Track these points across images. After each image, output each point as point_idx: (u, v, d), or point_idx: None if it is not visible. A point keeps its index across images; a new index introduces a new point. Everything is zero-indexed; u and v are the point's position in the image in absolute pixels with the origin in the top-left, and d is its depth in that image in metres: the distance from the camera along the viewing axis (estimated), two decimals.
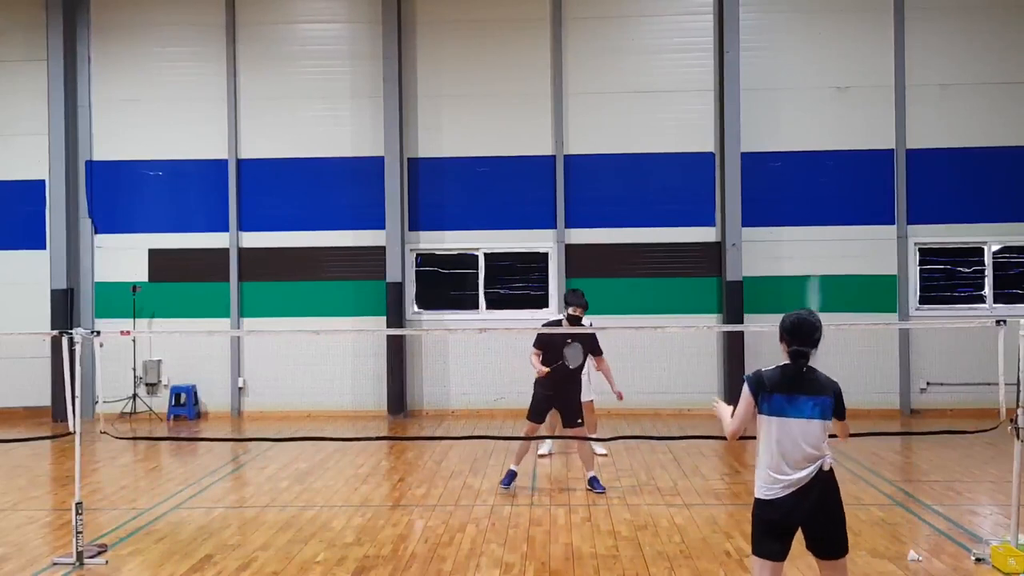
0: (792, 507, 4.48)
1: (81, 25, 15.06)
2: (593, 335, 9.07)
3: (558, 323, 9.25)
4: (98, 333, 7.14)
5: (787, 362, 4.60)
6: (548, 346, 8.81)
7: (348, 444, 11.35)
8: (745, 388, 4.65)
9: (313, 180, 14.96)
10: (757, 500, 4.62)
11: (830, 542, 4.56)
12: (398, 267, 14.51)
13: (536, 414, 8.97)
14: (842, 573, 4.60)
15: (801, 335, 4.56)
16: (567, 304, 9.02)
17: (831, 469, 4.55)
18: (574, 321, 8.90)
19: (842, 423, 4.72)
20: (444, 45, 14.91)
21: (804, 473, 4.48)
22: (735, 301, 13.96)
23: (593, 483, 8.91)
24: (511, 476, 9.00)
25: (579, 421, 8.89)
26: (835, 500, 4.55)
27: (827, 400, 4.55)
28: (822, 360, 5.72)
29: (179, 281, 14.98)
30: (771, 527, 4.55)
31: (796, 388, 4.53)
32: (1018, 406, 6.35)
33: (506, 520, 7.89)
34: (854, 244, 14.38)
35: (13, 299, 14.95)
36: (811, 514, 4.50)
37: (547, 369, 8.68)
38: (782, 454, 4.50)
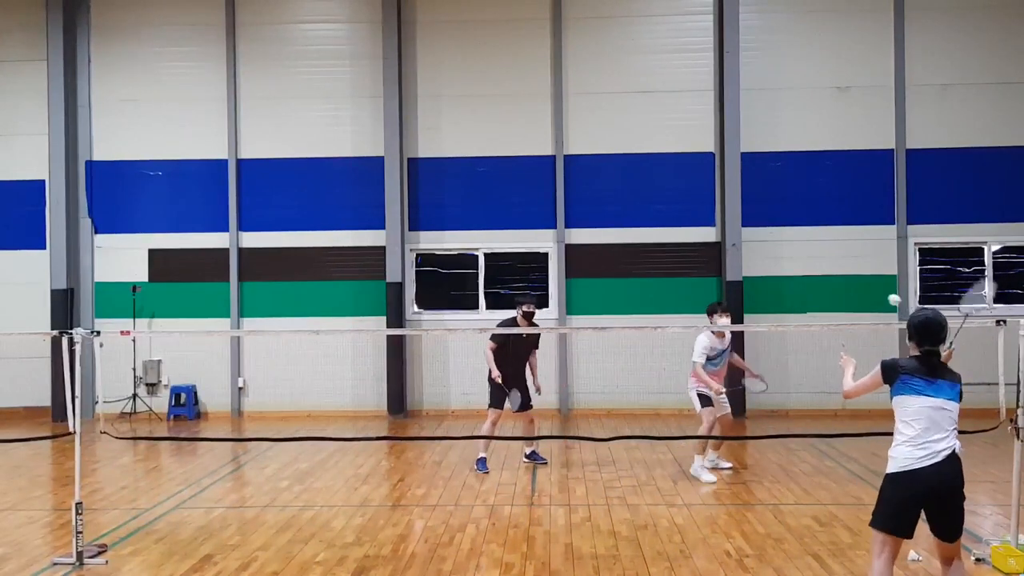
0: (927, 481, 4.81)
1: (81, 25, 15.06)
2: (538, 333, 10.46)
3: (513, 321, 10.17)
4: (98, 333, 7.12)
5: (917, 354, 5.03)
6: (504, 341, 9.77)
7: (348, 444, 11.34)
8: (878, 368, 5.12)
9: (313, 180, 14.96)
10: (891, 475, 4.94)
11: (953, 523, 4.91)
12: (398, 267, 14.51)
13: (497, 401, 10.03)
14: (958, 550, 5.04)
15: (929, 335, 5.01)
16: (520, 303, 10.00)
17: (959, 456, 4.92)
18: (529, 317, 9.97)
19: None
20: (444, 45, 14.91)
21: (942, 447, 4.84)
22: (735, 301, 13.94)
23: (534, 456, 10.44)
24: (482, 462, 10.02)
25: (530, 405, 10.10)
26: (962, 483, 4.89)
27: (958, 387, 4.99)
28: (821, 360, 5.74)
29: (179, 281, 14.98)
30: (903, 500, 4.87)
31: (934, 373, 4.96)
32: (1018, 406, 6.35)
33: (506, 520, 7.89)
34: (854, 244, 14.38)
35: (13, 299, 14.95)
36: (941, 493, 4.83)
37: (499, 376, 9.78)
38: (922, 429, 4.87)
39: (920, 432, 4.87)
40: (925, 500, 4.85)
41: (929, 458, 4.82)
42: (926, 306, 5.23)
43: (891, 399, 5.06)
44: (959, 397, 4.98)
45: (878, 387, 5.17)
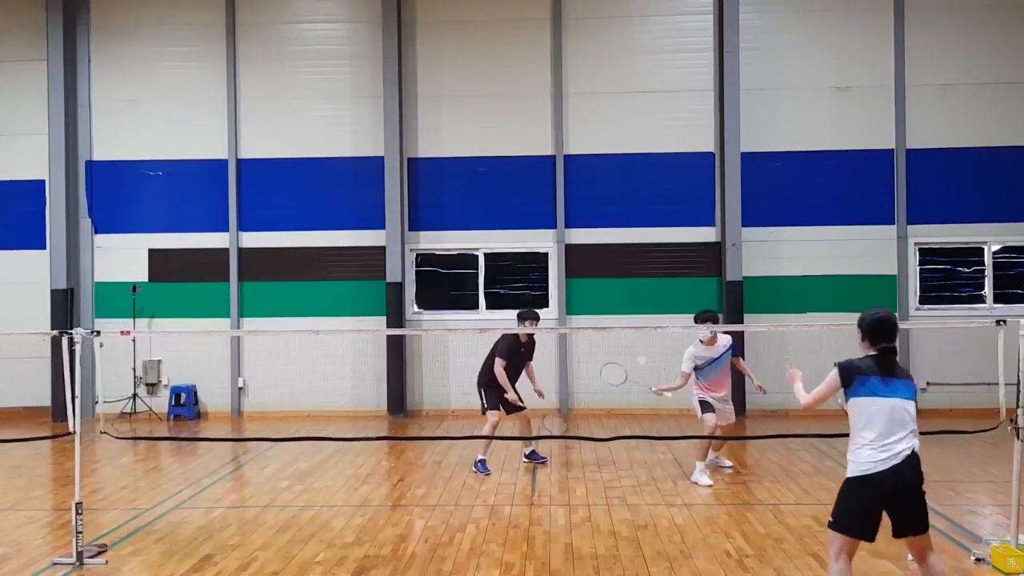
0: (887, 483, 4.78)
1: (81, 25, 15.07)
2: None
3: (516, 336, 10.01)
4: (98, 333, 7.12)
5: (873, 354, 4.99)
6: (511, 355, 9.85)
7: (348, 444, 11.34)
8: (834, 373, 5.06)
9: (313, 180, 14.96)
10: (853, 479, 4.90)
11: (918, 519, 4.89)
12: (398, 267, 14.51)
13: (495, 404, 9.98)
14: (928, 542, 4.99)
15: (885, 333, 5.00)
16: (523, 319, 9.95)
17: (919, 455, 4.91)
18: (530, 336, 10.04)
19: None
20: (444, 45, 14.92)
21: (901, 448, 4.81)
22: (735, 301, 13.97)
23: (533, 455, 10.44)
24: (482, 464, 9.97)
25: (522, 406, 10.03)
26: (921, 480, 4.89)
27: (912, 384, 5.00)
28: (821, 360, 5.76)
29: (179, 281, 14.99)
30: (864, 504, 4.84)
31: (890, 373, 4.94)
32: (1018, 406, 6.35)
33: (506, 520, 7.89)
34: (854, 244, 14.38)
35: (13, 299, 14.96)
36: (901, 493, 4.80)
37: (515, 397, 9.82)
38: (882, 431, 4.84)
39: (880, 434, 4.83)
40: (886, 502, 4.82)
41: (889, 460, 4.78)
42: (877, 306, 5.23)
43: (846, 401, 5.01)
44: (915, 395, 4.97)
45: (837, 391, 5.09)
